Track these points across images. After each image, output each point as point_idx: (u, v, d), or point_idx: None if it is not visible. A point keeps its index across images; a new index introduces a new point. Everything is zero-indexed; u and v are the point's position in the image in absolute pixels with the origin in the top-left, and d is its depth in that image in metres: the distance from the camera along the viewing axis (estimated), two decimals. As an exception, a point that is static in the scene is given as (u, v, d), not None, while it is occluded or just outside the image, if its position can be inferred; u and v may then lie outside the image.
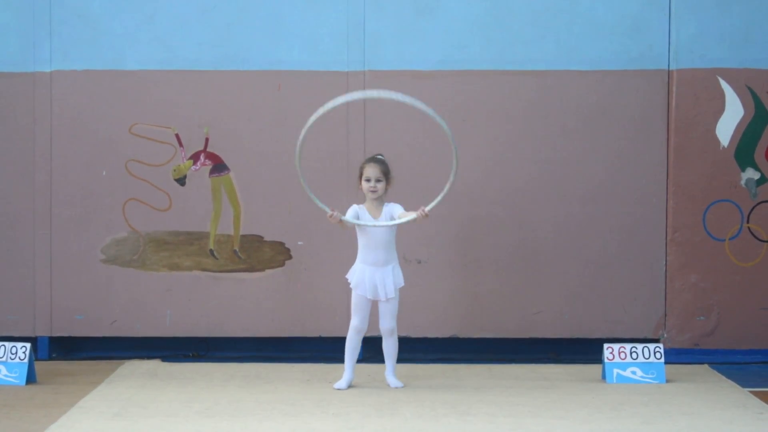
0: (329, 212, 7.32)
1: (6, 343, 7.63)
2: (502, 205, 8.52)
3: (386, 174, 7.47)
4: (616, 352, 7.79)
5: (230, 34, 8.50)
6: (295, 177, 8.42)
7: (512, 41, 8.47)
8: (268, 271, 8.56)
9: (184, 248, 8.55)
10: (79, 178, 8.53)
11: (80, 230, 8.53)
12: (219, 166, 8.55)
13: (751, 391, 7.46)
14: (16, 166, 8.54)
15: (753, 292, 8.49)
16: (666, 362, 7.83)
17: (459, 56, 8.47)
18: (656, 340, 8.46)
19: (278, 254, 8.56)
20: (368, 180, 7.45)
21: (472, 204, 8.51)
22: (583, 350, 8.51)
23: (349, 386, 7.49)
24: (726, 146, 8.46)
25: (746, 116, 8.44)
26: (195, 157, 8.55)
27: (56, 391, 7.41)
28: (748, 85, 8.42)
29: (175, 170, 8.55)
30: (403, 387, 7.53)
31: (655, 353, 7.79)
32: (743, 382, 7.73)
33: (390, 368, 7.59)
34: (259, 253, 8.55)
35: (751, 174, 8.47)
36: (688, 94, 8.43)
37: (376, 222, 7.39)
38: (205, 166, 8.55)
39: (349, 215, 7.44)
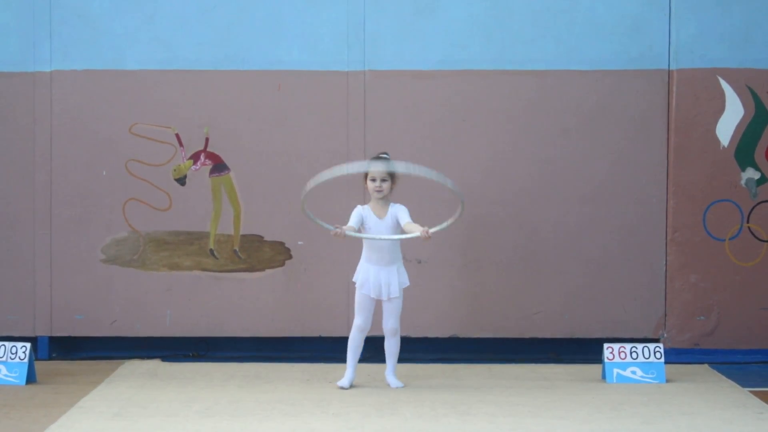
0: (333, 230, 7.29)
1: (6, 343, 7.63)
2: (502, 205, 8.52)
3: (392, 174, 7.46)
4: (616, 352, 7.79)
5: (230, 34, 8.50)
6: (295, 177, 8.46)
7: (512, 41, 8.47)
8: (269, 271, 8.56)
9: (184, 248, 8.55)
10: (79, 178, 8.53)
11: (80, 230, 8.53)
12: (219, 166, 8.55)
13: (751, 391, 7.46)
14: (16, 166, 8.54)
15: (753, 291, 8.49)
16: (666, 362, 7.83)
17: (459, 56, 8.47)
18: (656, 340, 8.46)
19: (278, 254, 8.56)
20: (374, 180, 7.44)
21: (472, 204, 8.49)
22: (583, 350, 8.51)
23: (351, 385, 7.49)
24: (726, 146, 8.46)
25: (746, 116, 8.44)
26: (195, 157, 8.55)
27: (56, 391, 7.41)
28: (748, 85, 8.42)
29: (175, 170, 8.55)
30: (403, 387, 7.53)
31: (655, 353, 7.79)
32: (743, 382, 7.73)
33: (391, 368, 7.59)
34: (259, 253, 8.55)
35: (751, 174, 8.47)
36: (688, 94, 8.43)
37: (380, 235, 7.38)
38: (205, 165, 8.55)
39: (354, 216, 7.44)
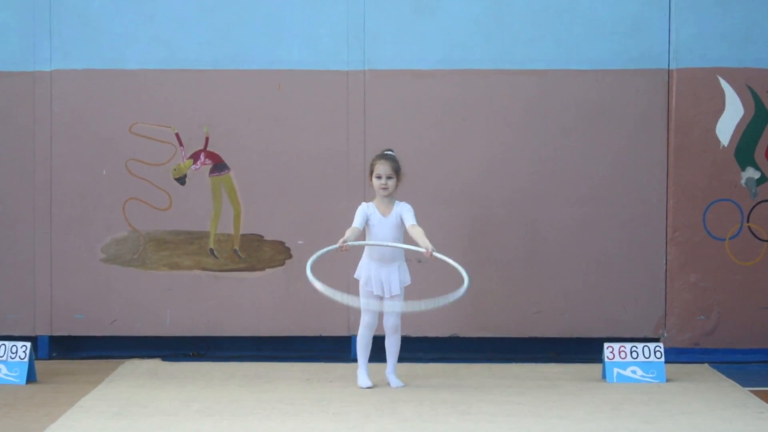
0: (339, 246, 7.30)
1: (6, 343, 7.63)
2: (502, 204, 8.51)
3: (397, 171, 7.48)
4: (616, 352, 7.79)
5: (230, 33, 8.50)
6: (295, 176, 8.47)
7: (512, 40, 8.47)
8: (269, 271, 8.56)
9: (185, 247, 8.55)
10: (79, 177, 8.53)
11: (80, 229, 8.53)
12: (219, 166, 8.55)
13: (751, 391, 7.46)
14: (16, 166, 8.54)
15: (753, 291, 8.49)
16: (666, 361, 7.83)
17: (459, 55, 8.47)
18: (656, 340, 8.46)
19: (278, 253, 8.56)
20: (379, 177, 7.45)
21: (472, 204, 8.51)
22: (583, 349, 8.51)
23: (373, 383, 7.47)
24: (726, 146, 8.46)
25: (746, 115, 8.44)
26: (195, 157, 8.55)
27: (56, 391, 7.41)
28: (749, 85, 8.42)
29: (175, 169, 8.55)
30: (403, 386, 7.53)
31: (655, 352, 7.78)
32: (743, 382, 7.73)
33: (391, 366, 7.59)
34: (260, 253, 8.55)
35: (751, 173, 8.47)
36: (688, 93, 8.43)
37: (383, 242, 7.39)
38: (205, 165, 8.55)
39: (359, 213, 7.45)
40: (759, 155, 8.46)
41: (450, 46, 8.48)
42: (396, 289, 7.45)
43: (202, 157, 8.54)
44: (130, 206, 8.54)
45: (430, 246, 7.25)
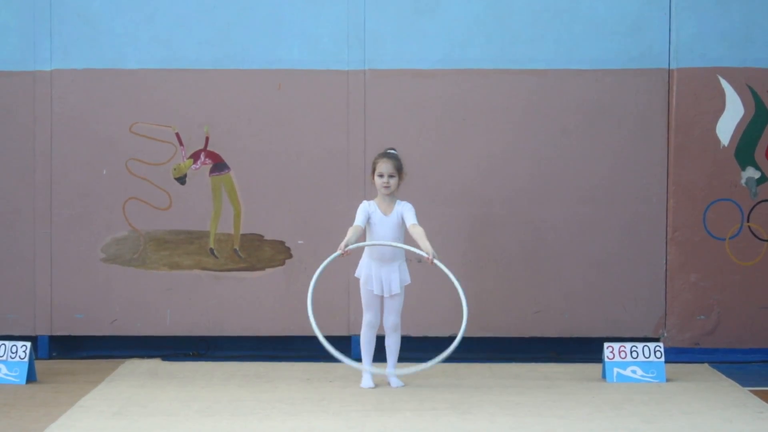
0: (341, 252, 7.30)
1: (6, 342, 7.63)
2: (502, 204, 8.51)
3: (399, 170, 7.49)
4: (616, 351, 7.79)
5: (230, 33, 8.50)
6: (295, 176, 8.46)
7: (512, 40, 8.47)
8: (269, 270, 8.56)
9: (185, 247, 8.55)
10: (80, 177, 8.53)
11: (80, 229, 8.53)
12: (219, 165, 8.55)
13: (751, 390, 7.46)
14: (17, 166, 8.54)
15: (753, 291, 8.49)
16: (666, 361, 7.83)
17: (459, 55, 8.47)
18: (656, 339, 8.46)
19: (278, 253, 8.56)
20: (381, 175, 7.46)
21: (472, 203, 8.51)
22: (583, 349, 8.51)
23: (375, 384, 7.48)
24: (726, 145, 8.46)
25: (746, 115, 8.44)
26: (195, 156, 8.55)
27: (56, 390, 7.41)
28: (749, 84, 8.42)
29: (175, 169, 8.55)
30: (403, 386, 7.53)
31: (655, 352, 7.78)
32: (743, 381, 7.73)
33: (391, 365, 7.59)
34: (260, 252, 8.55)
35: (751, 173, 8.47)
36: (689, 93, 8.43)
37: (384, 242, 7.40)
38: (205, 165, 8.55)
39: (361, 212, 7.45)
40: (759, 155, 8.46)
41: (450, 46, 8.48)
42: (396, 288, 7.46)
43: (202, 156, 8.54)
44: (130, 206, 8.54)
45: (431, 251, 7.26)
